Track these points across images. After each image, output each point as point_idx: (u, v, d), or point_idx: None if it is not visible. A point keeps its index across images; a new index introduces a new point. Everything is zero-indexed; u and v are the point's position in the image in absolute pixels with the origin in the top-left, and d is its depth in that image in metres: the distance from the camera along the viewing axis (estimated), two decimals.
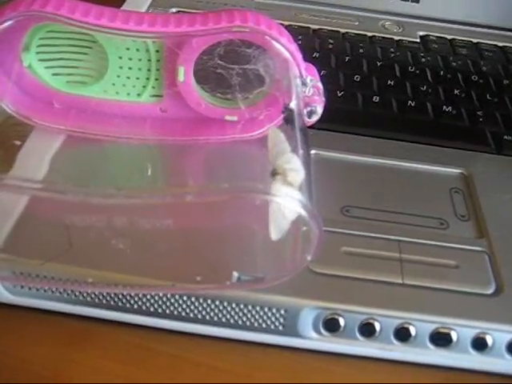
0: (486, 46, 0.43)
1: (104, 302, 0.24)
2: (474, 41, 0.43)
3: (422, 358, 0.24)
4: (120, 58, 0.28)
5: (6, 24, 0.24)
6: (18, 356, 0.23)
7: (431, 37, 0.43)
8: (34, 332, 0.24)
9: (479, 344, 0.23)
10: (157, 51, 0.27)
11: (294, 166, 0.23)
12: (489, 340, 0.23)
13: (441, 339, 0.23)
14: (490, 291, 0.24)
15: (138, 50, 0.27)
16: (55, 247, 0.23)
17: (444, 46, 0.42)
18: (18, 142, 0.27)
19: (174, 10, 0.42)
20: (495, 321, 0.23)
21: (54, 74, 0.28)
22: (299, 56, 0.26)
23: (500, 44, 0.43)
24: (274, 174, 0.22)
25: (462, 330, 0.23)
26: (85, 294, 0.24)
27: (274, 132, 0.26)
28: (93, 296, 0.24)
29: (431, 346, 0.23)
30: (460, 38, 0.43)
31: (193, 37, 0.26)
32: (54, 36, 0.27)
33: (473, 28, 0.44)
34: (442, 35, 0.43)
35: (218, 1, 0.44)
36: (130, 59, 0.28)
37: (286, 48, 0.26)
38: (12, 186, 0.21)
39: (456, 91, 0.36)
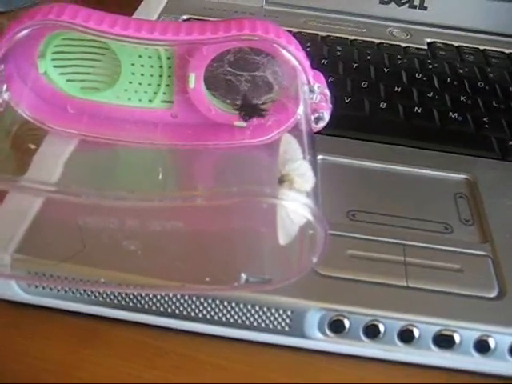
0: (493, 53, 0.43)
1: (115, 301, 0.24)
2: (481, 48, 0.43)
3: (425, 360, 0.24)
4: (132, 64, 0.28)
5: (24, 32, 0.25)
6: (30, 353, 0.24)
7: (438, 44, 0.43)
8: (46, 330, 0.24)
9: (482, 346, 0.24)
10: (168, 58, 0.28)
11: (303, 173, 0.23)
12: (491, 342, 0.23)
13: (444, 341, 0.24)
14: (493, 295, 0.25)
15: (149, 57, 0.28)
16: (69, 248, 0.24)
17: (451, 53, 0.42)
18: (33, 146, 0.28)
19: (184, 17, 0.42)
20: (498, 324, 0.23)
21: (69, 81, 0.29)
22: (307, 63, 0.27)
23: (507, 51, 0.43)
24: (281, 180, 0.23)
25: (465, 332, 0.23)
26: (97, 294, 0.24)
27: (286, 138, 0.26)
28: (104, 296, 0.24)
29: (434, 348, 0.24)
30: (467, 44, 0.44)
31: (203, 44, 0.26)
32: (68, 43, 0.28)
33: (480, 35, 0.45)
34: (449, 42, 0.44)
35: (228, 8, 0.44)
36: (142, 66, 0.28)
37: (293, 56, 0.26)
38: (27, 188, 0.21)
39: (462, 98, 0.37)
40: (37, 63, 0.28)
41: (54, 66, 0.28)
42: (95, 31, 0.25)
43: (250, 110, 0.28)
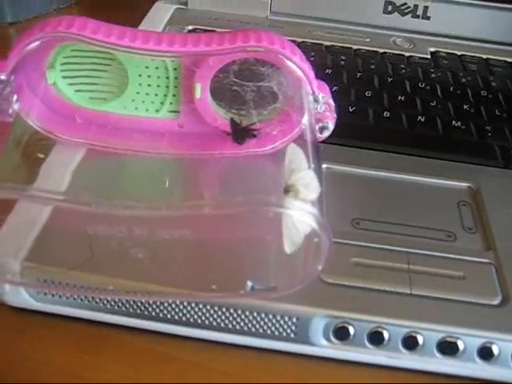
0: (496, 61, 0.43)
1: (123, 309, 0.25)
2: (484, 57, 0.44)
3: (429, 367, 0.24)
4: (139, 75, 0.29)
5: (34, 44, 0.25)
6: (39, 359, 0.24)
7: (441, 53, 0.44)
8: (55, 337, 0.25)
9: (485, 353, 0.24)
10: (175, 69, 0.28)
11: (308, 183, 0.23)
12: (495, 349, 0.24)
13: (448, 348, 0.24)
14: (497, 302, 0.25)
15: (156, 68, 0.28)
16: (77, 256, 0.24)
17: (454, 62, 0.43)
18: (41, 155, 0.28)
19: (190, 27, 0.43)
20: (501, 331, 0.24)
21: (77, 91, 0.29)
22: (311, 74, 0.27)
23: (509, 60, 0.43)
24: (286, 190, 0.23)
25: (469, 339, 0.24)
26: (105, 301, 0.25)
27: (292, 148, 0.26)
28: (112, 303, 0.25)
29: (438, 355, 0.24)
30: (470, 53, 0.44)
31: (209, 56, 0.27)
32: (77, 55, 0.28)
33: (482, 44, 0.45)
34: (452, 51, 0.44)
35: (233, 18, 0.45)
36: (149, 77, 0.29)
37: (298, 66, 0.27)
38: (37, 197, 0.22)
39: (465, 106, 0.37)
40: (46, 74, 0.28)
41: (63, 77, 0.29)
42: (104, 43, 0.26)
43: (241, 134, 0.28)
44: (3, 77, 0.26)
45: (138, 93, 0.29)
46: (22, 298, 0.25)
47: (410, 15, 0.45)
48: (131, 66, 0.28)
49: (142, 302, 0.24)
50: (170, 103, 0.29)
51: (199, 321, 0.24)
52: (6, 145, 0.26)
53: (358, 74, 0.39)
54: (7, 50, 0.26)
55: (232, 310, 0.24)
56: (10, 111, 0.27)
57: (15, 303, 0.25)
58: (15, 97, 0.27)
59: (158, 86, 0.29)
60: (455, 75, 0.41)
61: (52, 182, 0.27)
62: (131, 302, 0.24)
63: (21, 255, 0.24)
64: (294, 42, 0.28)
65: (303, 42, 0.43)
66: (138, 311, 0.25)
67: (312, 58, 0.40)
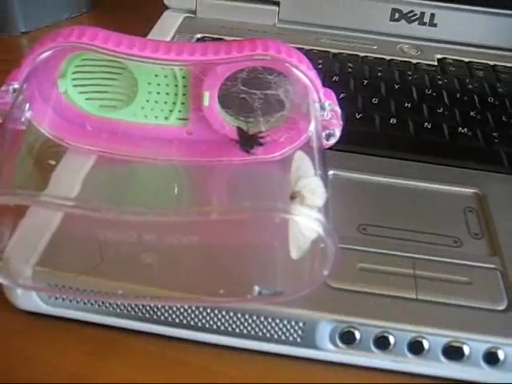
0: (503, 68, 0.43)
1: (132, 313, 0.25)
2: (491, 63, 0.44)
3: (435, 371, 0.24)
4: (149, 83, 0.29)
5: (46, 54, 0.26)
6: (49, 362, 0.24)
7: (448, 60, 0.44)
8: (66, 340, 0.25)
9: (491, 358, 0.24)
10: (183, 77, 0.29)
11: (314, 189, 0.24)
12: (500, 354, 0.24)
13: (453, 353, 0.24)
14: (502, 307, 0.25)
15: (165, 76, 0.29)
16: (88, 261, 0.24)
17: (461, 69, 0.43)
18: (52, 162, 0.29)
19: (198, 35, 0.43)
20: (507, 336, 0.24)
21: (88, 99, 0.30)
22: (318, 82, 0.28)
23: None
24: (292, 197, 0.23)
25: (474, 344, 0.24)
26: (114, 306, 0.25)
27: (299, 155, 0.26)
28: (122, 307, 0.25)
29: (444, 360, 0.24)
30: (477, 60, 0.44)
31: (217, 64, 0.27)
32: (88, 63, 0.29)
33: (489, 51, 0.45)
34: (459, 58, 0.44)
35: (241, 26, 0.45)
36: (159, 85, 0.29)
37: (305, 74, 0.27)
38: (48, 203, 0.22)
39: (472, 113, 0.37)
40: (57, 82, 0.29)
41: (74, 85, 0.29)
42: (114, 52, 0.26)
43: (248, 142, 0.29)
44: (16, 85, 0.27)
45: (147, 100, 0.30)
46: (34, 301, 0.25)
47: (416, 22, 0.45)
48: (141, 75, 0.29)
49: (150, 307, 0.25)
50: (179, 111, 0.30)
51: (207, 325, 0.25)
52: (19, 152, 0.27)
53: (365, 81, 0.40)
54: (20, 58, 0.27)
55: (239, 315, 0.24)
56: (23, 119, 0.27)
57: (26, 307, 0.26)
58: (27, 105, 0.27)
59: (167, 93, 0.30)
60: (462, 82, 0.41)
61: (63, 189, 0.28)
62: (140, 307, 0.25)
63: (32, 260, 0.25)
64: (301, 49, 0.28)
65: (311, 49, 0.43)
66: (147, 315, 0.25)
67: (319, 66, 0.40)
